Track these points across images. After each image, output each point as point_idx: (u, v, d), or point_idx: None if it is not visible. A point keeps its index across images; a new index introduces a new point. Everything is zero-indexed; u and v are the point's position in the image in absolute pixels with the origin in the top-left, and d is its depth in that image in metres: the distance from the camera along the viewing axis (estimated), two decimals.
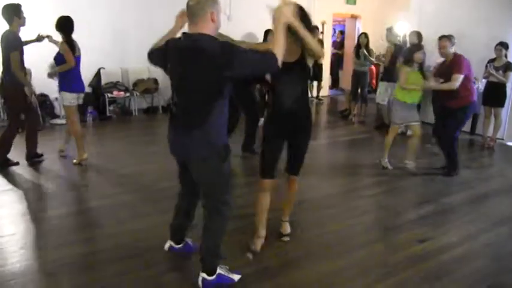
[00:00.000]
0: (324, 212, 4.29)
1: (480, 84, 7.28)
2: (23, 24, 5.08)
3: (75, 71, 5.28)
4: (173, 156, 2.82)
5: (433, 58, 7.13)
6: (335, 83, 12.67)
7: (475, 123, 7.69)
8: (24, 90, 5.08)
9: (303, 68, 3.08)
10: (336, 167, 5.91)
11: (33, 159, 5.44)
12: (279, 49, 2.48)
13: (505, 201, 4.74)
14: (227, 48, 2.39)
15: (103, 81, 8.41)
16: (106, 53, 8.30)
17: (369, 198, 4.68)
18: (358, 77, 8.40)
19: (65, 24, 5.11)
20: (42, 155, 5.54)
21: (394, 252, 3.54)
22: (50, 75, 5.50)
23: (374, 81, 10.89)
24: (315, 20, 10.52)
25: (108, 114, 8.30)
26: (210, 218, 2.81)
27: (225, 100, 2.56)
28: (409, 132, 7.39)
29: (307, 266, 3.24)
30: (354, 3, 11.69)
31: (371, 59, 8.16)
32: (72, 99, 5.31)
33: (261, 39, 9.56)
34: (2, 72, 5.17)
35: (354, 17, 12.10)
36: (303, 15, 2.93)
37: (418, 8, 8.69)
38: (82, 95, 5.55)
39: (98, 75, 8.36)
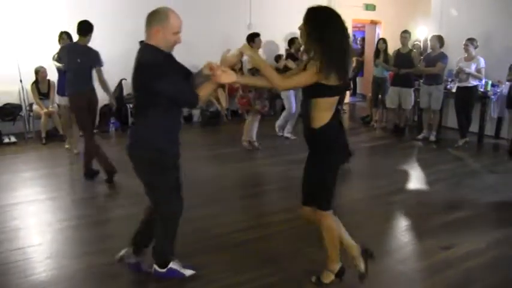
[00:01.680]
0: (347, 219, 4.20)
1: (504, 87, 7.16)
2: None
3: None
4: None
5: (454, 62, 7.06)
6: (353, 89, 12.60)
7: (500, 126, 7.54)
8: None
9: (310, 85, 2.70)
10: (358, 173, 5.85)
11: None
12: (203, 95, 2.74)
13: None
14: (159, 65, 2.62)
15: (125, 92, 8.52)
16: (128, 64, 8.34)
17: (393, 205, 4.62)
18: (378, 83, 8.32)
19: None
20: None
21: (419, 259, 3.49)
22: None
23: None
24: None
25: (130, 124, 8.40)
26: (154, 218, 3.03)
27: (156, 107, 2.71)
28: (431, 138, 7.32)
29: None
30: (374, 9, 11.64)
31: (386, 66, 7.98)
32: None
33: (281, 46, 9.67)
34: (86, 85, 5.29)
35: (374, 23, 12.05)
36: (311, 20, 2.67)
37: (439, 12, 8.59)
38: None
39: (120, 86, 8.47)
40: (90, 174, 5.38)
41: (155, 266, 3.07)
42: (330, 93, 2.65)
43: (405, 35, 7.60)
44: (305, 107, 2.80)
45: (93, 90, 5.30)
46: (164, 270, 3.05)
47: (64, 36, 6.12)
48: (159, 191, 2.92)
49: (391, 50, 8.19)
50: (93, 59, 5.26)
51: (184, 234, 3.68)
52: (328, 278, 3.01)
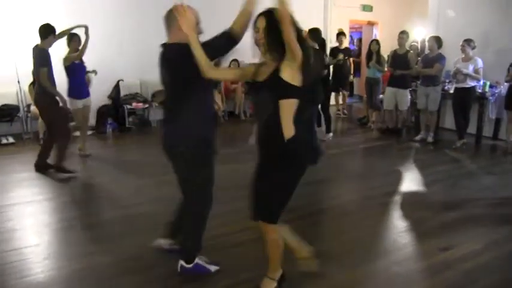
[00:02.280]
0: (344, 220, 4.25)
1: (502, 88, 7.17)
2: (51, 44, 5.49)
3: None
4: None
5: (451, 63, 7.07)
6: (350, 90, 12.59)
7: (498, 128, 7.56)
8: (56, 101, 5.42)
9: (272, 84, 2.54)
10: (355, 174, 5.86)
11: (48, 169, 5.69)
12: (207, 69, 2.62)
13: None
14: (183, 54, 2.62)
15: (122, 93, 8.53)
16: (125, 65, 8.41)
17: (390, 206, 4.62)
18: (371, 85, 8.33)
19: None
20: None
21: (417, 260, 3.48)
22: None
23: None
24: (332, 28, 10.58)
25: (127, 125, 8.39)
26: (182, 212, 3.14)
27: (196, 97, 2.81)
28: (429, 139, 7.33)
29: (330, 275, 3.20)
30: (371, 10, 11.67)
31: (379, 67, 8.01)
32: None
33: None
34: (36, 87, 5.54)
35: (371, 24, 12.08)
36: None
37: (436, 13, 8.60)
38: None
39: (117, 87, 8.46)
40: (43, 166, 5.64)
41: (182, 262, 3.11)
42: (294, 94, 2.50)
43: (402, 35, 7.57)
44: (272, 113, 2.53)
45: (41, 94, 5.40)
46: (191, 266, 3.10)
47: (76, 38, 5.98)
48: (189, 185, 2.99)
49: (387, 51, 8.19)
50: (37, 60, 5.34)
51: None
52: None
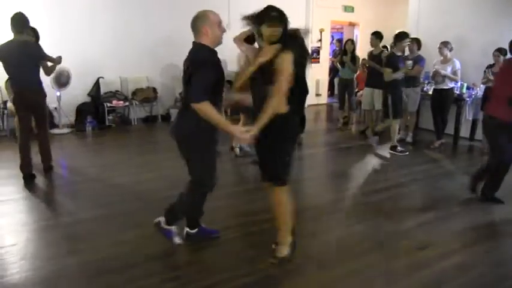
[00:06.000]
0: (324, 219, 4.28)
1: (479, 90, 7.30)
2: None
3: None
4: None
5: (431, 64, 7.17)
6: (331, 90, 12.67)
7: (474, 128, 7.69)
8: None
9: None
10: (333, 174, 5.91)
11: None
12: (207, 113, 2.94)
13: (506, 207, 4.69)
14: (197, 61, 3.01)
15: (102, 91, 8.44)
16: (105, 63, 8.33)
17: (369, 205, 4.66)
18: (344, 85, 8.41)
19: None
20: None
21: (394, 259, 3.52)
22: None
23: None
24: (313, 28, 10.62)
25: (107, 123, 8.31)
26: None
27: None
28: (408, 139, 7.42)
29: (309, 274, 3.22)
30: (352, 10, 11.75)
31: (353, 66, 8.15)
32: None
33: None
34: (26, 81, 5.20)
35: (352, 25, 12.17)
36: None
37: (416, 15, 8.72)
38: None
39: (97, 84, 8.38)
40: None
41: (186, 229, 3.58)
42: None
43: (372, 36, 7.65)
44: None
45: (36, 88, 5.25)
46: (195, 231, 3.59)
47: None
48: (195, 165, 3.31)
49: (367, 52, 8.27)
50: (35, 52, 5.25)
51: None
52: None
